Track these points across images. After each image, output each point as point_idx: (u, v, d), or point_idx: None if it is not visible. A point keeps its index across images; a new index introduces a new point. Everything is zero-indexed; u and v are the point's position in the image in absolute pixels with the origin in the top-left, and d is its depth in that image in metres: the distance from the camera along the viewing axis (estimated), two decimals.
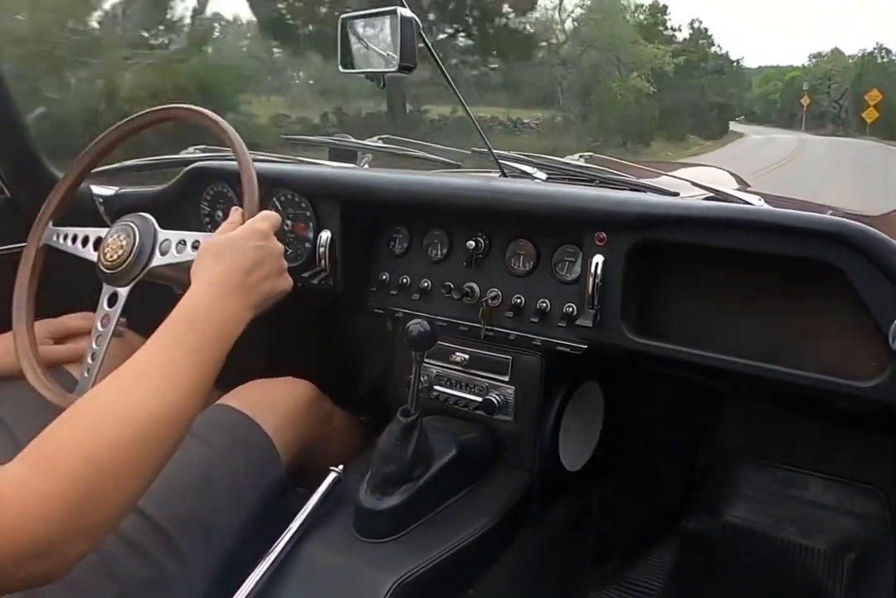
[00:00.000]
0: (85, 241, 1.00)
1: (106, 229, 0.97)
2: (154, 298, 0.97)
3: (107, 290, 0.94)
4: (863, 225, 0.76)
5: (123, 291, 0.92)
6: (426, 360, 1.09)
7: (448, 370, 1.08)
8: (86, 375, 0.91)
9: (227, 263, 0.76)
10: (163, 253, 0.92)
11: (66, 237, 1.01)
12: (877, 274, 0.74)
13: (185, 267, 1.06)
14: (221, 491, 0.88)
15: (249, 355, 1.07)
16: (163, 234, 0.93)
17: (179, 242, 0.91)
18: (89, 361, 0.92)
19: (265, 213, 0.85)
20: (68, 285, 1.04)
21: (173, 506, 0.82)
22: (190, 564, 0.80)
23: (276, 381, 1.06)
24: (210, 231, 1.11)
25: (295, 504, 0.88)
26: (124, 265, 0.92)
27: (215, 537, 0.84)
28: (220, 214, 1.23)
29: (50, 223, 1.02)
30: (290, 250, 1.18)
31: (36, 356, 0.94)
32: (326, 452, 1.07)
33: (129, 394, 0.63)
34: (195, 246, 0.90)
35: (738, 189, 1.16)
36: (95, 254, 0.97)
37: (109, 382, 0.64)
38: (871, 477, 1.34)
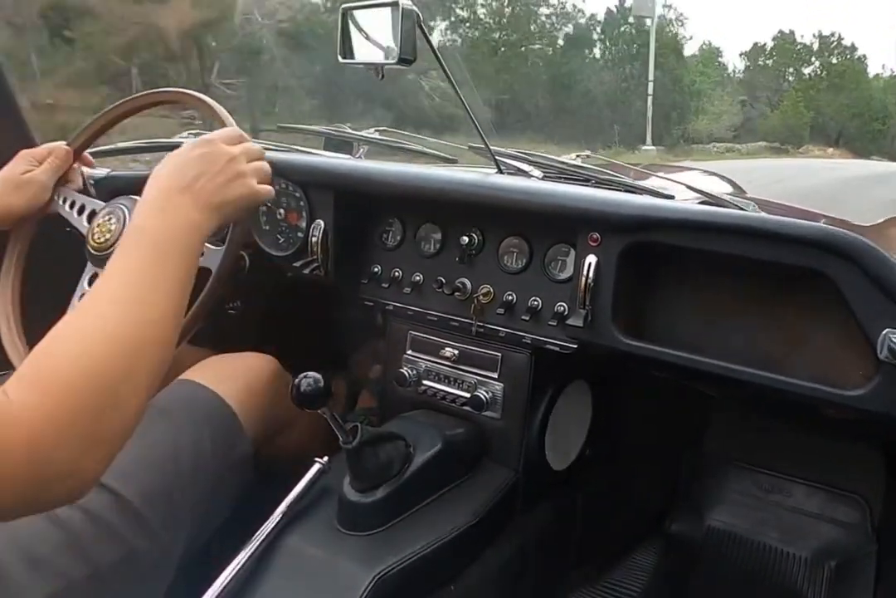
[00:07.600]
0: (81, 209, 1.01)
1: (102, 203, 0.98)
2: None
3: (89, 270, 0.94)
4: (853, 234, 0.75)
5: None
6: (417, 354, 1.09)
7: (437, 365, 1.08)
8: None
9: (167, 172, 0.74)
10: None
11: (65, 201, 1.03)
12: (866, 283, 0.74)
13: None
14: (187, 466, 0.86)
15: (239, 342, 1.06)
16: None
17: None
18: None
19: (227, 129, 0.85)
20: (54, 262, 1.04)
21: (140, 482, 0.81)
22: (159, 542, 0.78)
23: (239, 355, 1.04)
24: None
25: (278, 494, 0.88)
26: (111, 249, 0.91)
27: (182, 512, 0.83)
28: None
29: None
30: (282, 239, 1.17)
31: (20, 338, 0.94)
32: (293, 428, 1.05)
33: (104, 313, 0.61)
34: None
35: (732, 194, 1.16)
36: (87, 227, 0.97)
37: (85, 304, 0.62)
38: (853, 486, 1.35)
